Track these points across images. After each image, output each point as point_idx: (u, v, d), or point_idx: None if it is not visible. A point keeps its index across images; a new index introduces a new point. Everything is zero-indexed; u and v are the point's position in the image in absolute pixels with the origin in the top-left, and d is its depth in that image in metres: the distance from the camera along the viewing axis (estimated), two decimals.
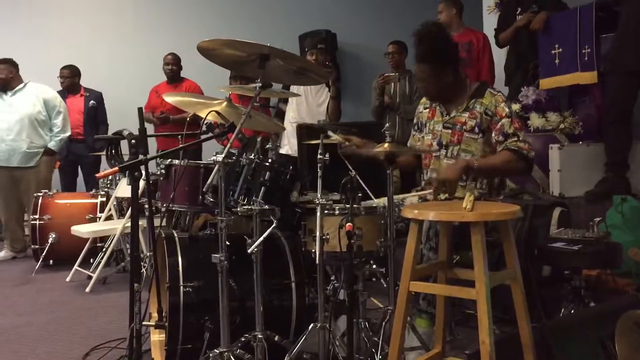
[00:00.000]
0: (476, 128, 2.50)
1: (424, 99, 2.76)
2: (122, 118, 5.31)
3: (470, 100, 2.53)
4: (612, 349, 1.96)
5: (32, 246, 4.81)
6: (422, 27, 2.51)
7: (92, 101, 5.96)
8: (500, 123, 2.45)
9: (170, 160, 2.68)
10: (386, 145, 2.31)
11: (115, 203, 4.58)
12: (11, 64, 5.07)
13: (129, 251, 4.35)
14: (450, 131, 2.55)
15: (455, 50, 2.59)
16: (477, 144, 2.50)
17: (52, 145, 5.21)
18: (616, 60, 3.67)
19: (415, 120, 2.79)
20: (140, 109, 2.36)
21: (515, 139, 2.43)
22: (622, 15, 3.70)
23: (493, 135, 2.47)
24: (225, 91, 3.23)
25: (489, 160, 2.44)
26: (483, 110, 2.49)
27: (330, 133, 2.53)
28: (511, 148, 2.42)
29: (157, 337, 2.63)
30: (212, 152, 2.16)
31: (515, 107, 4.22)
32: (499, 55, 4.98)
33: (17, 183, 5.12)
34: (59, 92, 5.51)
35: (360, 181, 2.37)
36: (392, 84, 4.77)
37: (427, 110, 2.69)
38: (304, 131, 3.90)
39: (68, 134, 5.33)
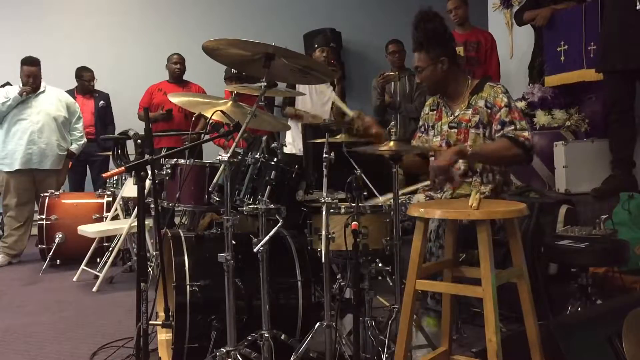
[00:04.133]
0: (480, 124, 2.51)
1: (429, 100, 2.77)
2: (128, 118, 5.37)
3: (472, 97, 2.54)
4: (619, 347, 1.95)
5: (39, 246, 4.84)
6: (418, 12, 2.55)
7: (101, 101, 6.05)
8: (498, 113, 2.46)
9: (175, 159, 2.68)
10: (391, 143, 2.31)
11: (121, 203, 4.60)
12: (40, 65, 5.07)
13: (135, 250, 4.37)
14: (456, 130, 2.55)
15: (451, 38, 2.60)
16: (480, 139, 2.51)
17: (74, 148, 5.27)
18: (605, 61, 3.66)
19: (421, 122, 2.79)
20: (146, 109, 2.37)
21: (512, 127, 2.43)
22: (606, 15, 3.68)
23: (493, 125, 2.48)
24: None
25: (484, 147, 2.45)
26: (484, 104, 2.50)
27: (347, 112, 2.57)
28: (507, 135, 2.42)
29: (164, 336, 2.64)
30: (217, 152, 2.17)
31: (521, 104, 4.22)
32: (504, 56, 4.98)
33: (37, 185, 5.12)
34: (67, 92, 5.55)
35: (366, 180, 2.37)
36: (393, 82, 4.77)
37: (434, 112, 2.69)
38: (309, 130, 3.90)
39: (85, 139, 5.40)
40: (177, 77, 5.62)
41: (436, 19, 2.53)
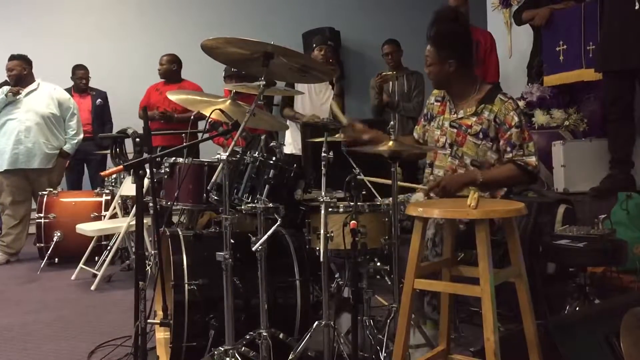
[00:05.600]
0: (481, 134, 2.46)
1: (436, 91, 2.73)
2: (126, 117, 5.35)
3: (480, 105, 2.49)
4: (617, 346, 1.95)
5: (37, 244, 4.83)
6: (441, 8, 2.52)
7: (99, 99, 6.02)
8: (508, 132, 2.42)
9: (174, 158, 2.68)
10: (390, 143, 2.31)
11: (119, 201, 4.60)
12: (25, 60, 5.06)
13: (133, 249, 4.36)
14: (456, 131, 2.53)
15: (466, 42, 2.55)
16: (478, 149, 2.47)
17: (67, 148, 5.22)
18: (604, 60, 3.65)
19: (425, 111, 2.76)
20: (144, 108, 2.37)
21: (521, 152, 2.40)
22: (606, 15, 3.68)
23: (501, 143, 2.45)
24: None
25: (494, 175, 2.43)
26: (492, 118, 2.45)
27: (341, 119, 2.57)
28: (517, 162, 2.40)
29: (162, 335, 2.63)
30: (214, 150, 2.16)
31: (520, 104, 4.21)
32: (503, 55, 4.98)
33: (31, 185, 5.11)
34: (65, 90, 5.52)
35: (365, 179, 2.37)
36: (390, 82, 4.77)
37: (439, 104, 2.66)
38: (308, 129, 3.90)
39: (82, 136, 5.35)
40: (166, 77, 5.46)
41: (453, 20, 2.49)
